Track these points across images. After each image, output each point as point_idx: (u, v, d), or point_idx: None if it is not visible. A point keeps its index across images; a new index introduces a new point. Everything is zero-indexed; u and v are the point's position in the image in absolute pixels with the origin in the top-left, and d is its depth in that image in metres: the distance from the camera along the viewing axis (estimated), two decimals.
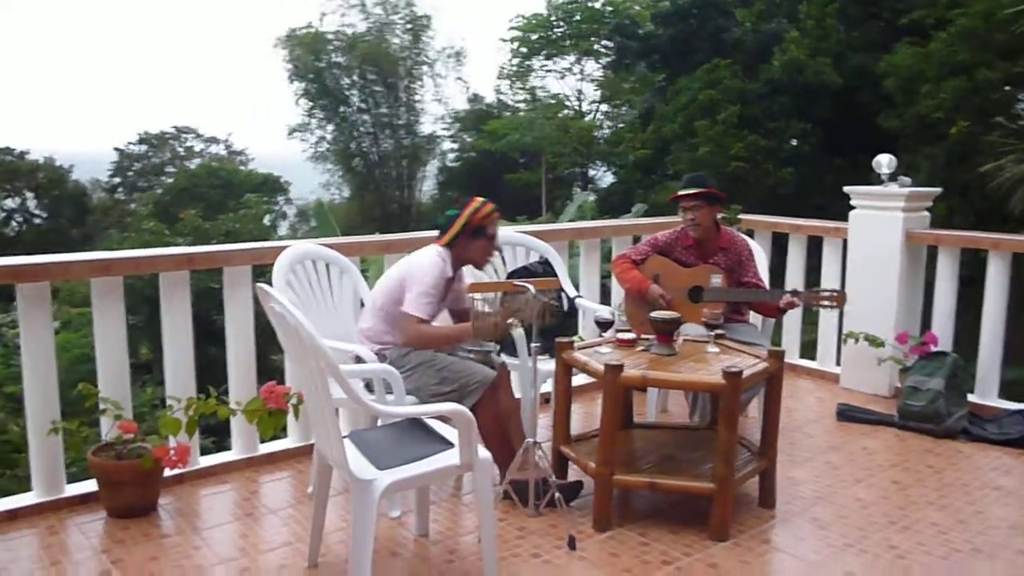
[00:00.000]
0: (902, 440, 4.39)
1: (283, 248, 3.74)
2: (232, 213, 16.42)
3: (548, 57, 28.80)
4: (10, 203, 35.24)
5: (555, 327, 4.08)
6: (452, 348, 3.54)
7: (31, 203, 35.37)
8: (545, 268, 4.34)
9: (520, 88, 29.53)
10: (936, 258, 4.96)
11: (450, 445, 2.87)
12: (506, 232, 4.56)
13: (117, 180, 35.61)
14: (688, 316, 3.95)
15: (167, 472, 3.53)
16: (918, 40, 14.85)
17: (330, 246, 3.95)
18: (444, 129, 30.07)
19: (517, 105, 29.43)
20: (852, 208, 5.13)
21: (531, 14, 28.05)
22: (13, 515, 3.37)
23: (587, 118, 28.45)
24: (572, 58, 28.76)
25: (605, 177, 27.88)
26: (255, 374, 3.95)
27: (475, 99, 29.97)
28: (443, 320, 3.75)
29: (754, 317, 4.55)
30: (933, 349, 4.72)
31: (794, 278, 5.52)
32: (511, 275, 4.27)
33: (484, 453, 2.81)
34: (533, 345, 3.27)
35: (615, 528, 3.33)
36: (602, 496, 3.32)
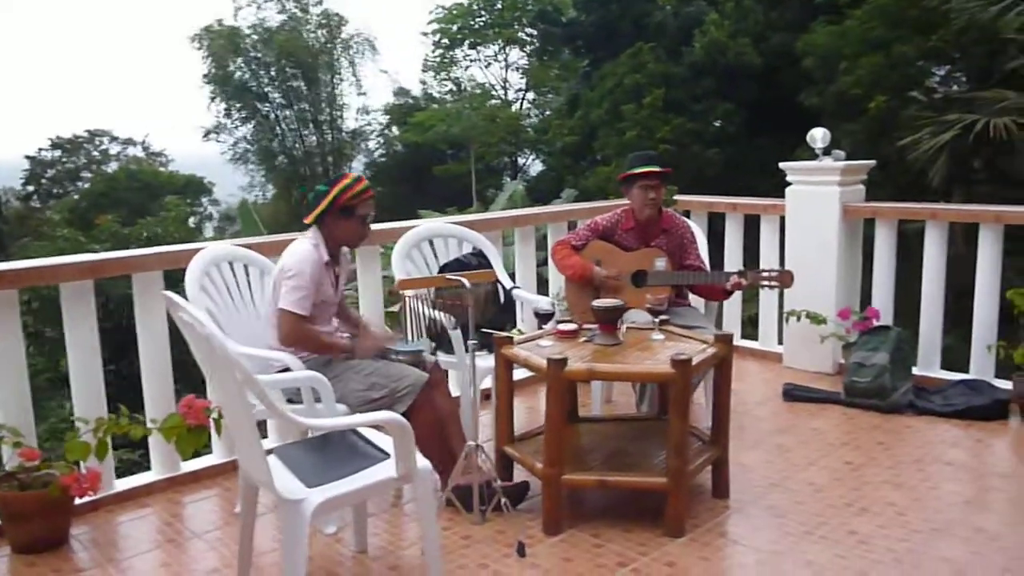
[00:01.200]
0: (850, 418, 4.31)
1: (197, 250, 3.47)
2: (152, 217, 15.81)
3: (472, 47, 28.49)
4: None
5: (493, 321, 3.92)
6: (339, 356, 3.30)
7: None
8: (479, 260, 4.15)
9: (445, 79, 29.17)
10: (873, 232, 4.91)
11: (386, 456, 2.65)
12: (438, 223, 4.35)
13: (31, 188, 34.25)
14: (632, 302, 3.79)
15: (79, 500, 3.24)
16: (834, 18, 15.02)
17: (252, 246, 3.69)
18: (368, 125, 29.61)
19: (443, 97, 29.09)
20: (788, 185, 5.05)
21: (452, 4, 27.73)
22: None
23: (514, 107, 28.27)
24: (496, 47, 28.52)
25: (534, 165, 27.79)
26: (172, 388, 3.67)
27: (400, 92, 29.53)
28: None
29: (696, 300, 4.43)
30: (876, 324, 4.66)
31: (733, 258, 5.42)
32: (443, 268, 4.07)
33: (423, 462, 2.60)
34: (470, 342, 3.07)
35: (566, 530, 3.16)
36: (551, 498, 3.15)
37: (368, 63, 28.99)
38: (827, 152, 4.89)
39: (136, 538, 3.27)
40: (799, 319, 4.89)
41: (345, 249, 3.47)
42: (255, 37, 27.67)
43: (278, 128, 28.91)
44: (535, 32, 25.75)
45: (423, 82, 29.27)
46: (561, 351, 3.30)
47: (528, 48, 27.48)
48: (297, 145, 29.12)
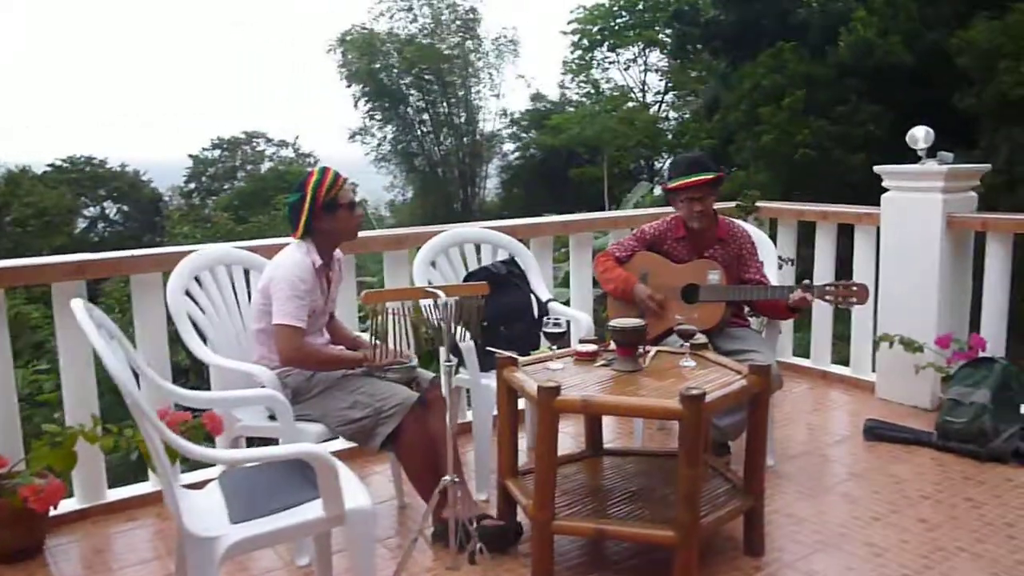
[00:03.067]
0: (940, 464, 3.67)
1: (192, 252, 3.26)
2: (263, 216, 16.28)
3: (611, 48, 28.05)
4: (92, 211, 36.34)
5: (522, 339, 3.55)
6: (350, 368, 2.99)
7: (111, 210, 36.43)
8: (510, 268, 3.78)
9: (583, 82, 28.84)
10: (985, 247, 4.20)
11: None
12: (469, 229, 4.00)
13: (193, 186, 36.38)
14: (685, 319, 3.32)
15: (57, 511, 3.10)
16: (996, 14, 13.67)
17: (255, 249, 3.45)
18: (505, 127, 29.62)
19: (580, 99, 28.75)
20: (885, 191, 4.41)
21: (592, 5, 27.35)
22: None
23: (652, 109, 27.60)
24: (636, 49, 27.96)
25: None
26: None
27: (537, 96, 29.40)
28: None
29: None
30: (981, 355, 3.97)
31: (824, 274, 4.81)
32: (467, 278, 3.72)
33: (357, 502, 2.25)
34: (444, 364, 2.70)
35: None
36: (540, 546, 2.74)
37: (506, 67, 28.90)
38: (932, 153, 4.23)
39: (118, 552, 3.09)
40: (891, 345, 4.25)
41: (339, 254, 3.18)
42: (394, 42, 28.19)
43: (417, 130, 29.34)
44: (672, 32, 24.98)
45: (561, 85, 29.07)
46: (567, 376, 2.90)
47: (667, 49, 26.74)
48: (435, 148, 29.45)
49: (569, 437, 3.90)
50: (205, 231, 18.01)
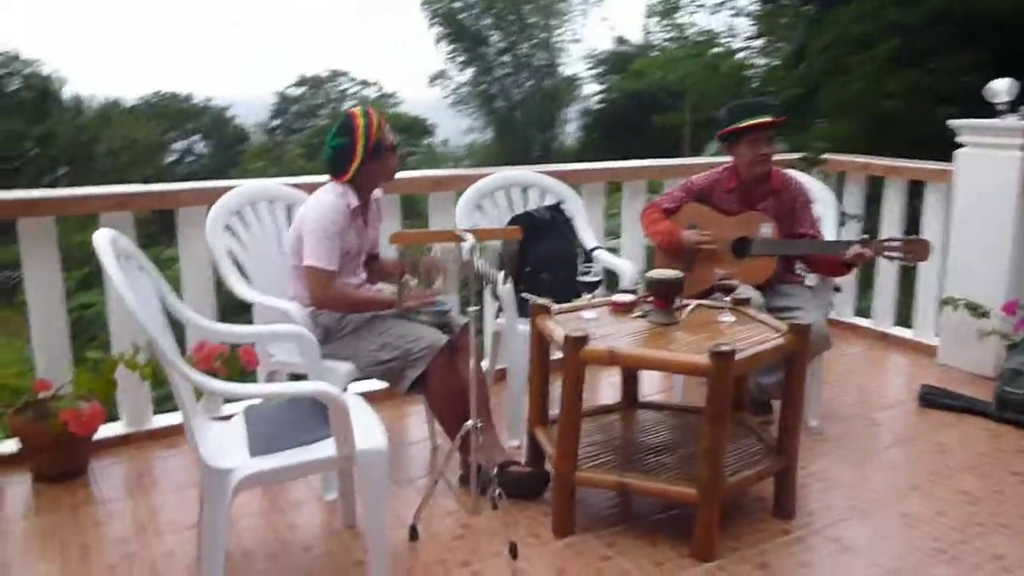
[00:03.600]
0: (994, 436, 3.51)
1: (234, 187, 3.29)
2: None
3: None
4: (180, 145, 37.28)
5: (566, 286, 3.49)
6: (380, 310, 2.99)
7: (197, 145, 37.30)
8: (554, 214, 3.71)
9: (668, 26, 28.06)
10: None
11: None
12: (517, 172, 3.94)
13: (277, 122, 36.87)
14: (736, 273, 3.22)
15: (102, 435, 3.21)
16: None
17: (300, 187, 3.45)
18: (587, 70, 29.14)
19: (664, 44, 28.02)
20: (959, 147, 4.17)
21: None
22: None
23: (738, 56, 26.73)
24: None
25: None
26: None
27: (621, 40, 28.78)
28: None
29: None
30: None
31: (891, 232, 4.60)
32: (512, 221, 3.66)
33: (369, 443, 2.26)
34: (470, 309, 2.67)
35: (579, 533, 2.73)
36: (560, 495, 2.72)
37: (590, 9, 28.35)
38: (1014, 108, 3.98)
39: (157, 476, 3.19)
40: (956, 309, 4.06)
41: (377, 193, 3.16)
42: None
43: (497, 72, 29.09)
44: None
45: (645, 28, 28.36)
46: (603, 326, 2.84)
47: None
48: (514, 90, 29.19)
49: (613, 388, 3.86)
50: (279, 167, 18.33)
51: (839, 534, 2.76)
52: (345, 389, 2.81)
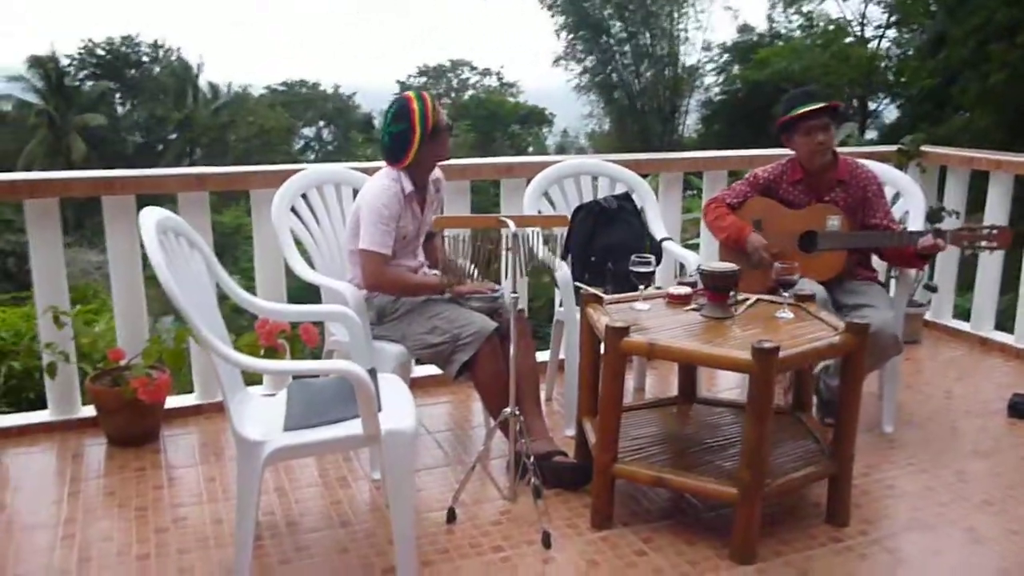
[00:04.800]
0: None
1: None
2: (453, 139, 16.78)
3: None
4: (308, 132, 38.60)
5: (620, 278, 3.43)
6: (431, 294, 3.01)
7: (324, 131, 38.51)
8: (621, 203, 3.64)
9: (795, 14, 27.12)
10: None
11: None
12: (587, 160, 3.89)
13: None
14: (803, 268, 3.09)
15: (186, 403, 3.39)
16: None
17: (366, 171, 3.52)
18: (709, 61, 28.51)
19: (791, 32, 27.11)
20: None
21: None
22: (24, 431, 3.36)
23: (871, 45, 25.59)
24: None
25: (888, 111, 25.12)
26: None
27: (744, 28, 28.00)
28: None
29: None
30: None
31: None
32: (577, 211, 3.62)
33: (394, 423, 2.28)
34: (511, 295, 2.66)
35: (617, 526, 2.69)
36: (601, 488, 2.68)
37: None
38: None
39: (222, 445, 3.30)
40: None
41: (437, 174, 3.18)
42: None
43: (617, 61, 28.83)
44: None
45: (770, 17, 27.51)
46: (654, 318, 2.79)
47: None
48: (634, 80, 28.86)
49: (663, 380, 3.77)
50: None
51: (894, 545, 2.62)
52: (395, 371, 2.86)
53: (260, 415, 2.41)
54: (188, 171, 3.44)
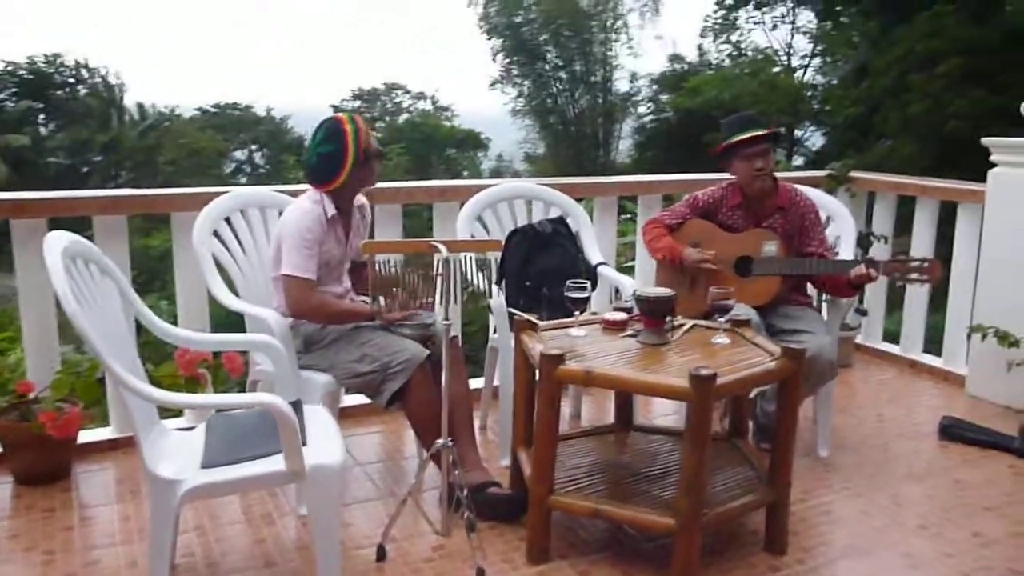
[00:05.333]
0: (1019, 474, 3.29)
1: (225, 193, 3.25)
2: (388, 162, 16.59)
3: (757, 7, 26.82)
4: (239, 155, 37.93)
5: (555, 304, 3.37)
6: (361, 321, 2.90)
7: (256, 154, 37.91)
8: (556, 227, 3.59)
9: (724, 43, 27.76)
10: None
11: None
12: (521, 184, 3.85)
13: None
14: (738, 293, 3.06)
15: (101, 437, 3.20)
16: None
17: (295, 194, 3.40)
18: (641, 88, 28.97)
19: (720, 61, 27.71)
20: (993, 166, 3.96)
21: None
22: None
23: (797, 75, 26.30)
24: (784, 8, 26.62)
25: (814, 138, 25.82)
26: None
27: (675, 58, 28.54)
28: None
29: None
30: None
31: (921, 255, 4.37)
32: (512, 234, 3.56)
33: (319, 459, 2.17)
34: (443, 322, 2.57)
35: (554, 559, 2.61)
36: (536, 519, 2.60)
37: (646, 26, 28.19)
38: None
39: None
40: (984, 337, 3.84)
41: (360, 200, 3.09)
42: None
43: (553, 87, 29.09)
44: None
45: (700, 47, 28.08)
46: (589, 345, 2.73)
47: (817, 9, 25.34)
48: (569, 105, 29.14)
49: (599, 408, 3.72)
50: None
51: (832, 573, 2.60)
52: (322, 402, 2.74)
53: (176, 451, 2.28)
54: (104, 193, 3.27)
